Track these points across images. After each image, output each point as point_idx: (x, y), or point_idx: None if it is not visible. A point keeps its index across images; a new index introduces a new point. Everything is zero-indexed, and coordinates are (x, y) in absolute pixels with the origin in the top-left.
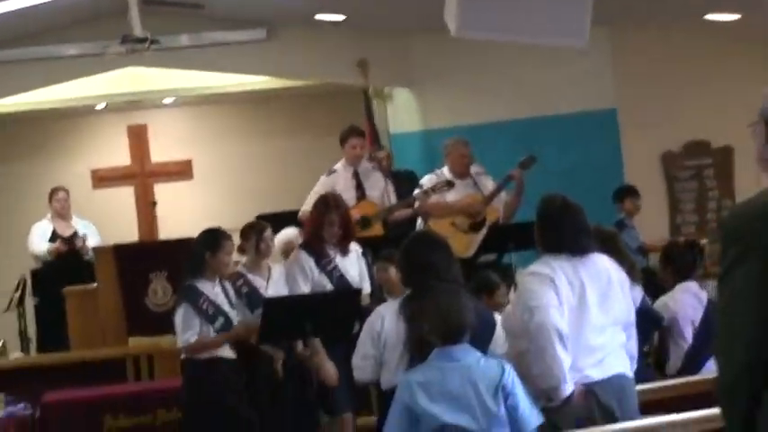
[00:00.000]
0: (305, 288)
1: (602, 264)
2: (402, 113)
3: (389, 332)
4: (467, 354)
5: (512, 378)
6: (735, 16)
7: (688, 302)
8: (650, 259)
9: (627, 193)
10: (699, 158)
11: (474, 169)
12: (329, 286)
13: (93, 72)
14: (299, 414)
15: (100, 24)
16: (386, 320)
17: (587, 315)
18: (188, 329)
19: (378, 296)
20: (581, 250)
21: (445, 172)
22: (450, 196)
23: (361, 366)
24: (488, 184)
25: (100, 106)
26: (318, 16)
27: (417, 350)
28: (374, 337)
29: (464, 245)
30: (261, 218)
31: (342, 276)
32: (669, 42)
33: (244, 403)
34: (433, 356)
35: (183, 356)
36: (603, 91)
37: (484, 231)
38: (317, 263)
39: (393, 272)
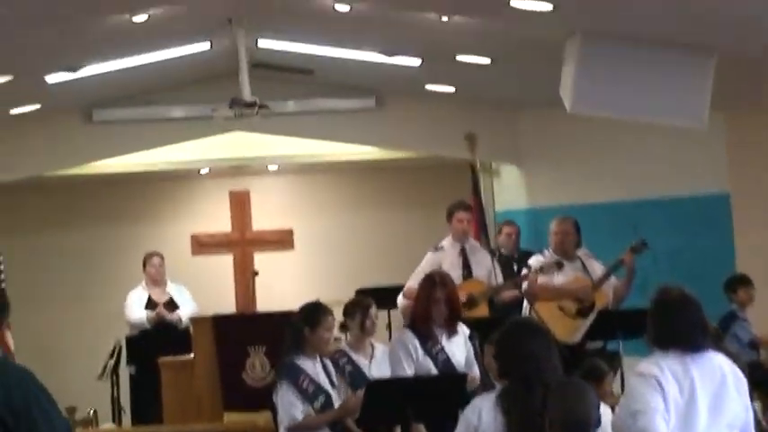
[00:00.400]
0: (408, 371)
1: (717, 362)
2: (508, 190)
3: (487, 427)
4: None
5: None
6: None
7: None
8: (761, 354)
9: (740, 282)
10: None
11: (581, 252)
12: (434, 370)
13: (199, 136)
14: None
15: (209, 87)
16: (483, 413)
17: (696, 418)
18: (293, 407)
19: (486, 382)
20: (694, 347)
21: (549, 253)
22: (558, 279)
23: None
24: (597, 268)
25: (204, 170)
26: (429, 87)
27: None
28: (470, 431)
29: (570, 330)
30: (362, 292)
31: (448, 360)
32: None
33: None
34: None
35: None
36: (717, 175)
37: (592, 317)
38: (423, 344)
39: None
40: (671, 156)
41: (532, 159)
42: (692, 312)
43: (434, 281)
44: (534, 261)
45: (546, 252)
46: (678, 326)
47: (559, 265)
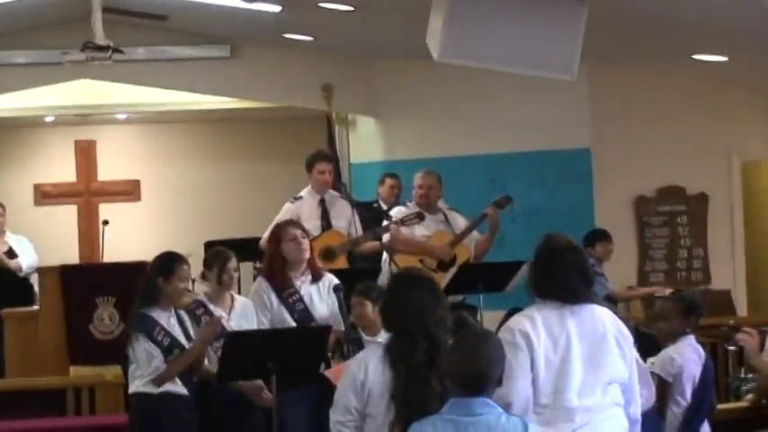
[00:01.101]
0: (265, 322)
1: (598, 315)
2: (365, 142)
3: (374, 381)
4: (487, 408)
5: None
6: (722, 58)
7: (691, 358)
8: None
9: (599, 237)
10: (672, 204)
11: (443, 205)
12: (290, 320)
13: (44, 83)
14: None
15: (57, 32)
16: (369, 368)
17: (571, 373)
18: (153, 358)
19: (351, 336)
20: (575, 298)
21: (412, 205)
22: (420, 231)
23: (343, 422)
24: (460, 222)
25: (49, 119)
26: (286, 35)
27: (404, 398)
28: (357, 387)
29: None
30: (211, 244)
31: (306, 310)
32: (649, 82)
33: None
34: (447, 408)
35: (130, 391)
36: (578, 130)
37: (452, 271)
38: (278, 294)
39: (371, 308)
40: (532, 109)
41: (390, 111)
42: (576, 262)
43: (285, 223)
44: (396, 212)
45: (409, 204)
46: (560, 274)
47: (420, 217)
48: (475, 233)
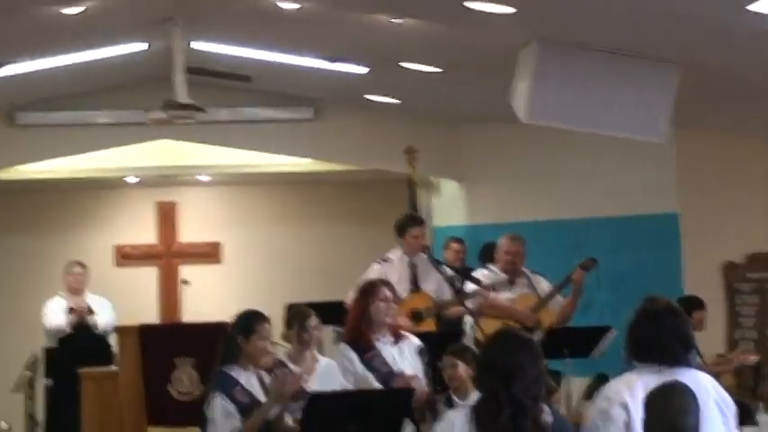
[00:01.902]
0: (348, 386)
1: (701, 381)
2: (448, 206)
3: None
4: None
5: None
6: None
7: None
8: None
9: (694, 304)
10: (762, 271)
11: (526, 269)
12: (375, 383)
13: (127, 142)
14: None
15: (141, 92)
16: (455, 429)
17: None
18: (231, 417)
19: (433, 399)
20: (676, 361)
21: (496, 269)
22: (505, 295)
23: None
24: (544, 286)
25: (131, 179)
26: (370, 97)
27: None
28: None
29: None
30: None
31: (390, 372)
32: (735, 147)
33: None
34: None
35: None
36: (665, 194)
37: (538, 335)
38: (360, 357)
39: (462, 368)
40: (619, 173)
41: (473, 175)
42: (677, 324)
43: (379, 282)
44: (482, 276)
45: (492, 267)
46: (661, 337)
47: (511, 283)
48: (558, 297)
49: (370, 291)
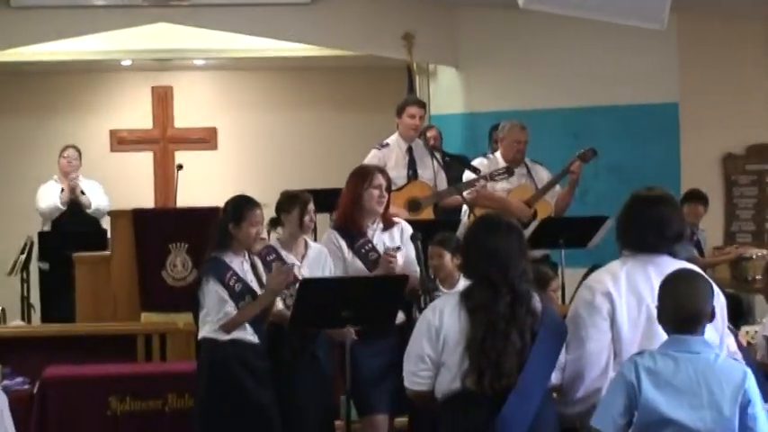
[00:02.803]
0: (338, 273)
1: None
2: (445, 94)
3: (450, 328)
4: (706, 347)
5: (753, 384)
6: None
7: None
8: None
9: (691, 197)
10: (761, 163)
11: (526, 158)
12: (365, 271)
13: (121, 26)
14: (318, 407)
15: None
16: (445, 314)
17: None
18: (224, 303)
19: (428, 286)
20: (660, 251)
21: (498, 157)
22: (501, 185)
23: (415, 372)
24: (543, 176)
25: (126, 62)
26: None
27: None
28: (432, 335)
29: None
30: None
31: (379, 258)
32: (740, 35)
33: (266, 392)
34: (665, 344)
35: (200, 337)
36: (666, 83)
37: (533, 225)
38: (350, 244)
39: (448, 258)
40: (618, 61)
41: (472, 62)
42: (667, 214)
43: (375, 168)
44: (481, 166)
45: (490, 156)
46: (648, 225)
47: (510, 173)
48: (556, 187)
49: (363, 176)
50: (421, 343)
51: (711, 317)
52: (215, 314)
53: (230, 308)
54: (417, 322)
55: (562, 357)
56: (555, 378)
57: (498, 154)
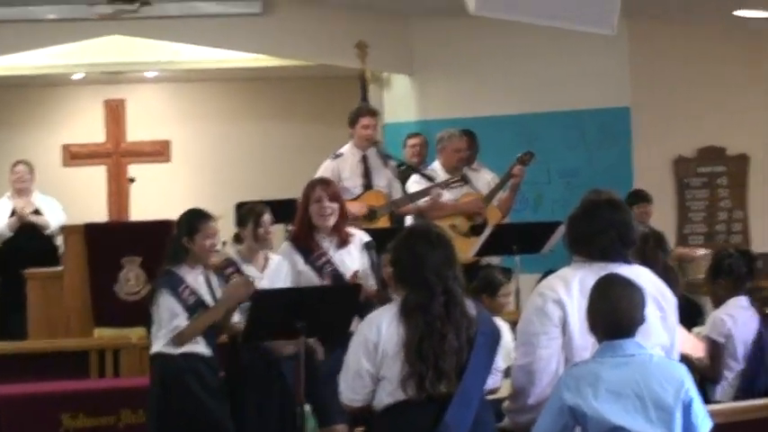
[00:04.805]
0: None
1: (637, 277)
2: (399, 102)
3: (388, 341)
4: (640, 349)
5: (692, 381)
6: (764, 14)
7: (742, 319)
8: None
9: (639, 198)
10: (712, 165)
11: (474, 166)
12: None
13: (72, 39)
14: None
15: None
16: (382, 327)
17: None
18: (175, 316)
19: (383, 295)
20: (611, 257)
21: (437, 167)
22: (446, 195)
23: (354, 388)
24: (486, 177)
25: (77, 76)
26: None
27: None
28: (369, 349)
29: (465, 249)
30: (243, 205)
31: (335, 271)
32: (689, 40)
33: (220, 405)
34: (599, 352)
35: (151, 352)
36: (617, 88)
37: (485, 234)
38: (305, 257)
39: None
40: (570, 67)
41: (425, 70)
42: (617, 218)
43: (314, 182)
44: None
45: (430, 167)
46: (598, 230)
47: (465, 180)
48: (500, 193)
49: (306, 191)
50: (358, 359)
51: (641, 321)
52: (166, 327)
53: (181, 321)
54: (353, 337)
55: (499, 361)
56: (491, 382)
57: (437, 164)
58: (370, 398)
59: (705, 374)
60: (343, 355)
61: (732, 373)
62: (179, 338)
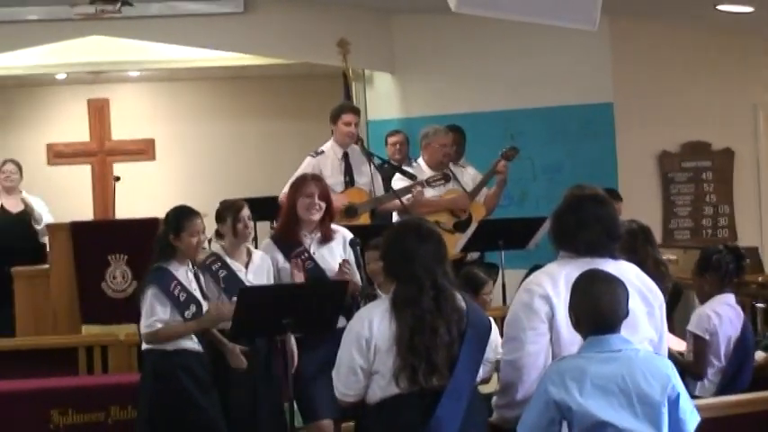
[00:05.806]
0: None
1: (623, 272)
2: (382, 99)
3: (381, 336)
4: (626, 344)
5: (678, 375)
6: (747, 9)
7: (728, 317)
8: None
9: (613, 197)
10: (697, 160)
11: (461, 163)
12: (299, 280)
13: (55, 39)
14: (268, 415)
15: None
16: (374, 323)
17: None
18: (153, 315)
19: (367, 291)
20: (597, 252)
21: (421, 164)
22: (429, 192)
23: (347, 384)
24: (471, 173)
25: (60, 76)
26: None
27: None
28: (362, 345)
29: (449, 245)
30: None
31: (316, 267)
32: (672, 35)
33: (210, 400)
34: (584, 347)
35: (143, 347)
36: (600, 84)
37: (472, 229)
38: (286, 254)
39: None
40: (553, 63)
41: (407, 67)
42: (602, 213)
43: (306, 177)
44: (399, 179)
45: (414, 164)
46: (583, 225)
47: (447, 178)
48: (485, 189)
49: (296, 185)
50: (351, 355)
51: (626, 316)
52: (144, 322)
53: (162, 316)
54: (345, 334)
55: (489, 352)
56: (482, 372)
57: (421, 161)
58: (364, 393)
59: (689, 370)
60: (328, 351)
61: (713, 369)
62: (152, 337)
